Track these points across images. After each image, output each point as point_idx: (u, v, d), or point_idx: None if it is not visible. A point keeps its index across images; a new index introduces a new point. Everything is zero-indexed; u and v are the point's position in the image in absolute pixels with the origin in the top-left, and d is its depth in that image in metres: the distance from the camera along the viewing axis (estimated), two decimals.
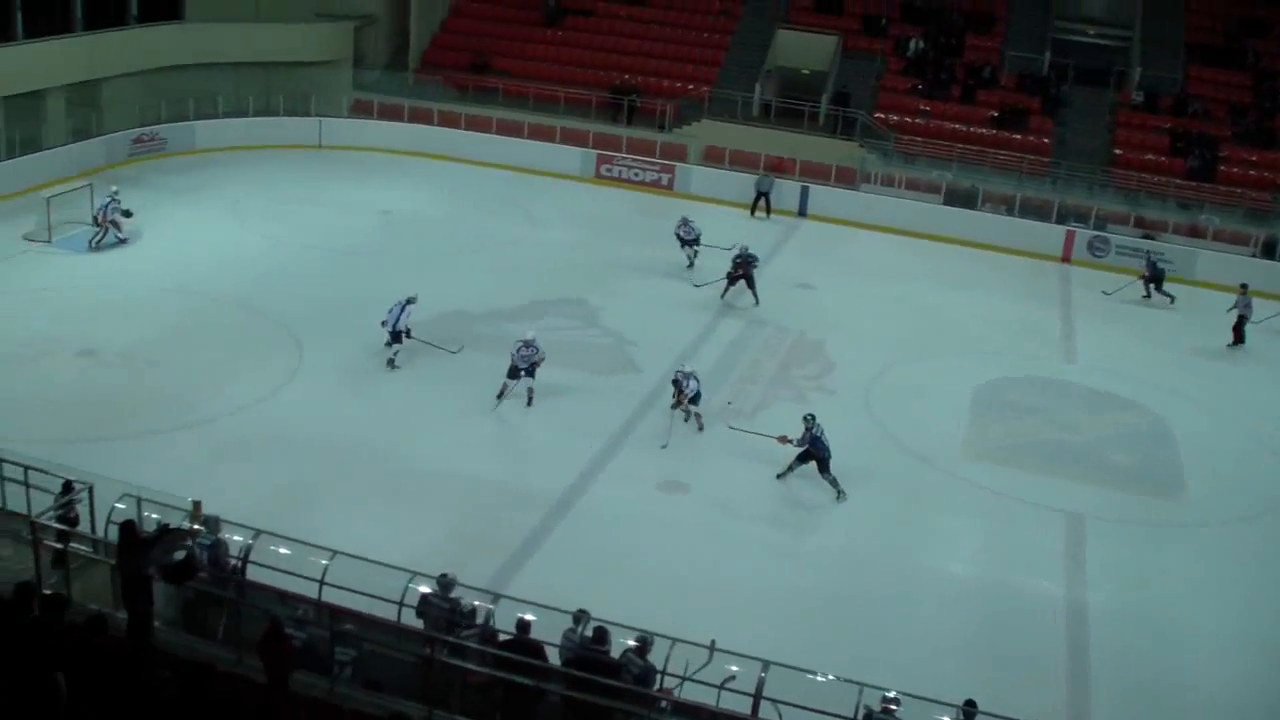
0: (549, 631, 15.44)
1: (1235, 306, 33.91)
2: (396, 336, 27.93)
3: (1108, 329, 34.68)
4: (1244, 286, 34.24)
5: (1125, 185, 42.51)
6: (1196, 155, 42.61)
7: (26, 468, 17.64)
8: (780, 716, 14.26)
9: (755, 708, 14.24)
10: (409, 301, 28.03)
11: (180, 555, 15.50)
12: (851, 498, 23.91)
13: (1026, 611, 20.99)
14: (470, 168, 45.17)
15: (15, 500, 17.81)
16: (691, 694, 14.85)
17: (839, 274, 36.84)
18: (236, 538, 16.96)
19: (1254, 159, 43.05)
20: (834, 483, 23.83)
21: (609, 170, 45.03)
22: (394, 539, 19.83)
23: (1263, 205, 41.49)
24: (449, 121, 46.85)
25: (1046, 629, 20.49)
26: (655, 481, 23.93)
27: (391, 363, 27.94)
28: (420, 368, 27.95)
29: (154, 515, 16.86)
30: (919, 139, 44.29)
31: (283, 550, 16.76)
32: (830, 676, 14.84)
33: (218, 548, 16.78)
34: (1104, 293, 36.62)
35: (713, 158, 45.02)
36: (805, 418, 23.96)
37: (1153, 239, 40.12)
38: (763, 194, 42.41)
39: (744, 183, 42.88)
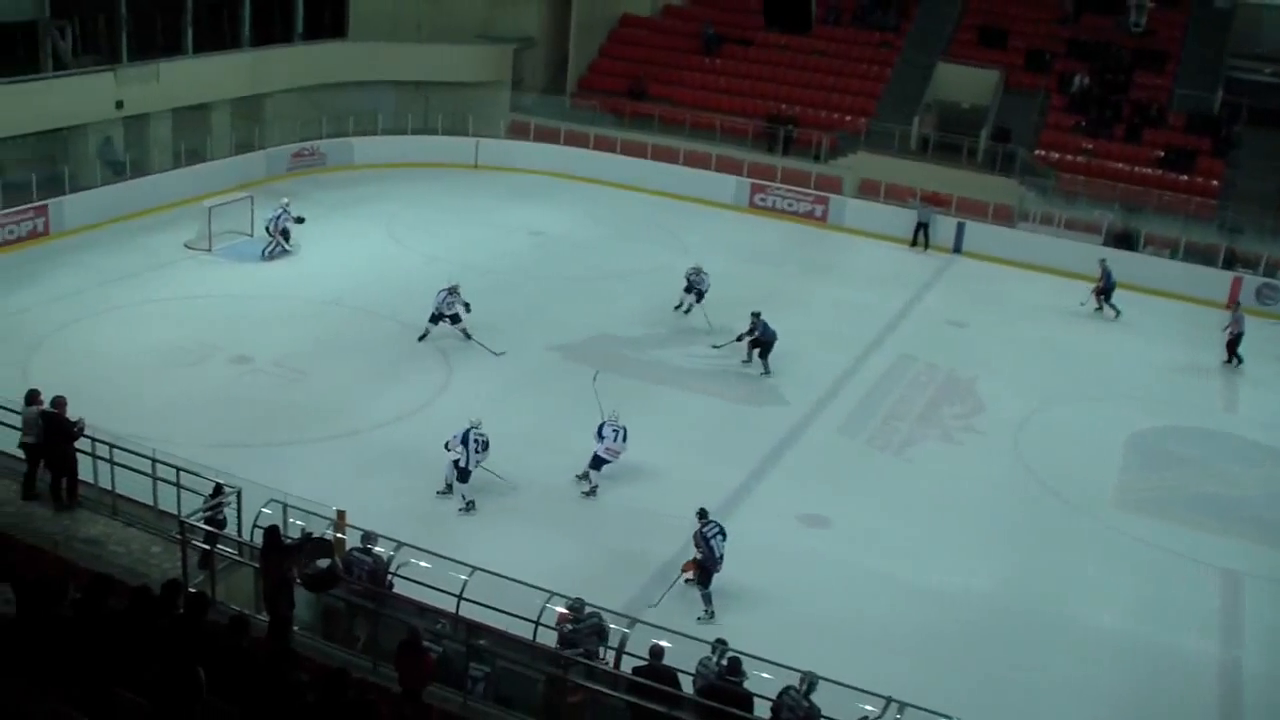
0: (682, 658, 15.27)
1: (1229, 325, 34.11)
2: (436, 319, 29.74)
3: (1272, 379, 33.49)
4: (1237, 304, 35.31)
5: None
6: None
7: (179, 469, 18.00)
8: None
9: None
10: (451, 290, 29.74)
11: (324, 564, 15.60)
12: (998, 541, 23.42)
13: (1177, 670, 20.28)
14: (623, 192, 45.27)
15: (167, 500, 18.14)
16: None
17: (992, 312, 36.13)
18: (378, 549, 17.07)
19: None
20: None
21: (762, 200, 44.80)
22: (534, 558, 19.78)
23: None
24: (604, 146, 47.04)
25: (1198, 689, 19.79)
26: (796, 514, 23.63)
27: (422, 338, 29.89)
28: (564, 391, 27.95)
29: (298, 522, 17.07)
30: (1080, 178, 43.37)
31: (423, 564, 16.83)
32: None
33: (378, 565, 16.89)
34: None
35: (868, 191, 44.54)
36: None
37: None
38: (922, 225, 41.88)
39: (899, 217, 42.36)
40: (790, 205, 44.33)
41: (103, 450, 18.78)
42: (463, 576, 16.17)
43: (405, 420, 26.03)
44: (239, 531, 17.21)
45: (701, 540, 20.26)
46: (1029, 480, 26.20)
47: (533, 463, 24.54)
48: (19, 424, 18.81)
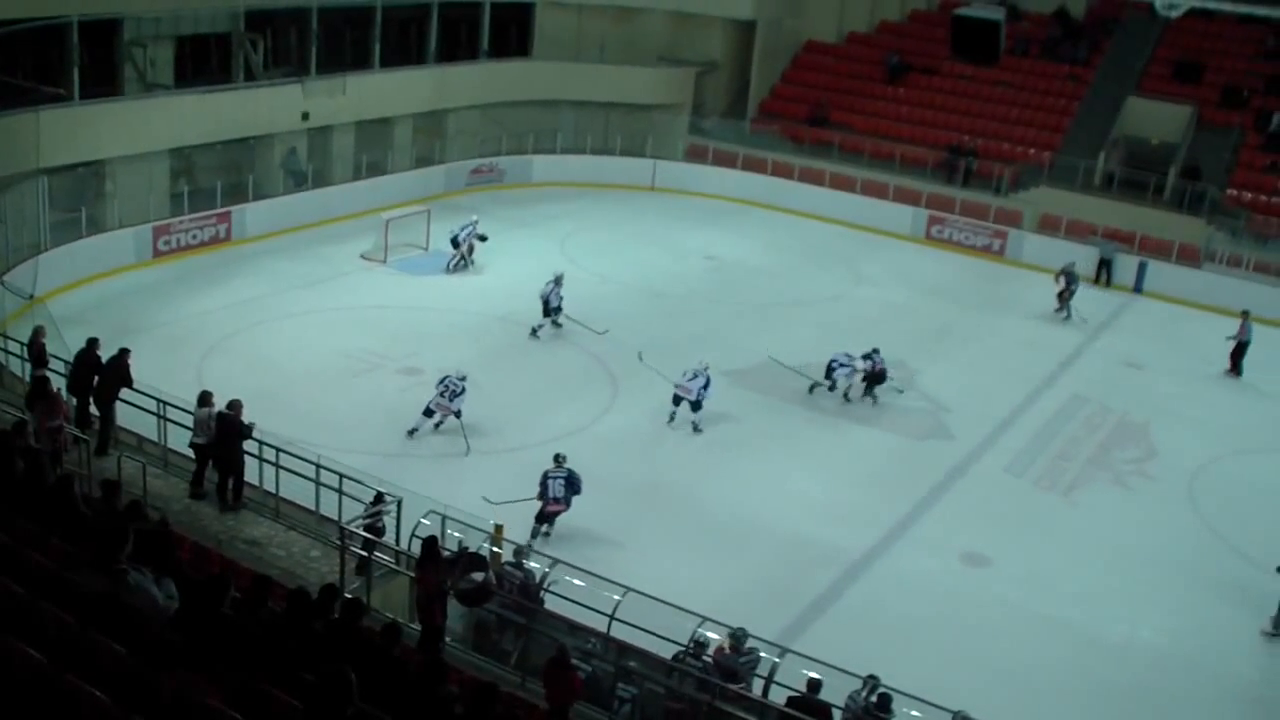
0: (831, 692, 15.06)
1: (1236, 335, 33.78)
2: (548, 311, 31.20)
3: None
4: (1245, 313, 34.21)
5: None
6: None
7: (342, 476, 18.29)
8: None
9: None
10: (557, 281, 31.37)
11: (478, 578, 15.70)
12: (1166, 592, 22.68)
13: None
14: (799, 219, 45.00)
15: (329, 506, 18.45)
16: None
17: (1172, 355, 35.00)
18: (533, 565, 17.14)
19: None
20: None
21: (939, 232, 44.19)
22: (688, 582, 19.65)
23: None
24: (782, 172, 46.83)
25: None
26: (959, 552, 23.18)
27: (534, 332, 31.34)
28: (734, 417, 27.85)
29: (456, 534, 17.22)
30: (1274, 219, 41.92)
31: (577, 582, 16.85)
32: None
33: (529, 580, 16.98)
34: None
35: (1048, 226, 43.61)
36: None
37: None
38: (1105, 261, 40.90)
39: (1079, 254, 41.39)
40: (967, 238, 43.63)
41: (269, 454, 19.19)
42: (616, 597, 16.17)
43: (570, 438, 26.10)
44: (397, 540, 17.43)
45: (541, 481, 21.50)
46: (1204, 531, 25.27)
47: (694, 487, 24.48)
48: (191, 424, 19.32)
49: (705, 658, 15.80)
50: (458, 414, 25.21)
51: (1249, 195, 43.02)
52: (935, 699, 14.85)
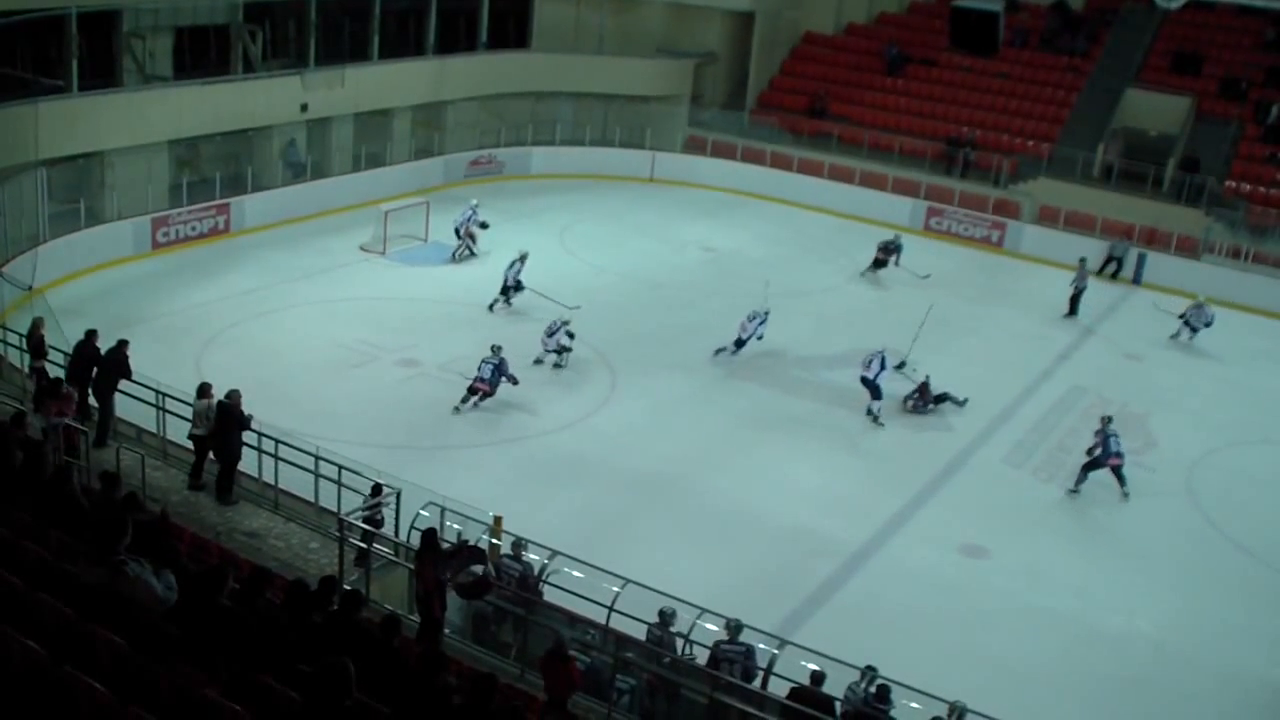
0: (831, 684, 15.09)
1: (1074, 280, 36.77)
2: (506, 290, 32.20)
3: None
4: (1083, 260, 37.61)
5: None
6: None
7: (341, 468, 18.31)
8: None
9: None
10: (521, 259, 32.32)
11: (477, 571, 15.71)
12: (1163, 583, 22.73)
13: None
14: (798, 211, 45.02)
15: (328, 498, 18.45)
16: None
17: (1171, 347, 35.02)
18: (533, 557, 17.15)
19: None
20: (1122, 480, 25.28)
21: (938, 223, 44.19)
22: (687, 574, 19.64)
23: None
24: (780, 163, 46.83)
25: None
26: (958, 544, 23.19)
27: (491, 308, 32.27)
28: (727, 407, 27.89)
29: (455, 526, 17.23)
30: (1273, 211, 41.92)
31: (576, 574, 16.85)
32: None
33: (528, 572, 16.98)
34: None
35: (1047, 217, 43.60)
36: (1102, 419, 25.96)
37: None
38: (1116, 259, 40.91)
39: (1080, 245, 41.40)
40: (966, 229, 43.63)
41: (268, 445, 19.20)
42: (615, 588, 16.16)
43: (569, 429, 26.17)
44: (396, 532, 17.45)
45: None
46: (1202, 522, 25.29)
47: (694, 478, 24.50)
48: (189, 415, 19.32)
49: (671, 630, 15.87)
50: (561, 352, 28.99)
51: (1248, 187, 43.02)
52: (933, 690, 14.85)
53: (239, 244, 35.56)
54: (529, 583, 16.77)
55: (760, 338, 30.34)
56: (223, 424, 18.79)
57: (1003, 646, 20.17)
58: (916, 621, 20.57)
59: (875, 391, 27.86)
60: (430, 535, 15.57)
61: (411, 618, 15.82)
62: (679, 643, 15.85)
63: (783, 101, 50.07)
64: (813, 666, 15.12)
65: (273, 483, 19.25)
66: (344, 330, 30.13)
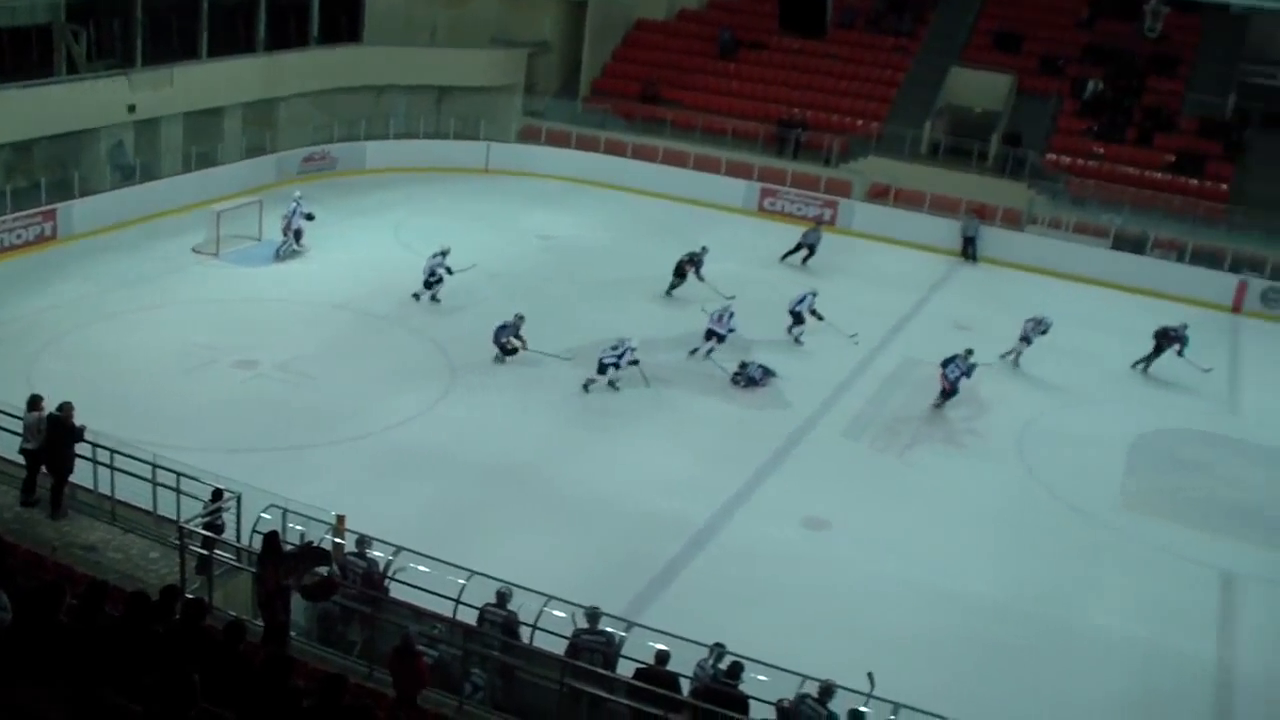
0: (679, 663, 15.34)
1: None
2: (428, 285, 32.65)
3: (1275, 382, 33.49)
4: (818, 219, 41.99)
5: None
6: None
7: (179, 474, 18.04)
8: None
9: None
10: (443, 254, 32.70)
11: (322, 572, 15.68)
12: (1000, 544, 23.51)
13: (1175, 672, 20.34)
14: (633, 196, 45.35)
15: (166, 506, 18.21)
16: None
17: (999, 316, 35.92)
18: (377, 554, 17.16)
19: None
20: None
21: (772, 204, 44.87)
22: (535, 562, 19.79)
23: None
24: (615, 150, 47.12)
25: (1195, 692, 19.87)
26: (800, 517, 23.69)
27: (416, 297, 32.75)
28: (572, 394, 28.12)
29: (298, 527, 17.15)
30: (1091, 182, 43.34)
31: (422, 568, 16.90)
32: None
33: (373, 569, 16.98)
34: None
35: (877, 195, 44.56)
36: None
37: None
38: (969, 239, 41.86)
39: (908, 221, 42.38)
40: (799, 209, 44.35)
41: (103, 456, 18.86)
42: (461, 581, 16.27)
43: (411, 423, 26.14)
44: (238, 537, 17.28)
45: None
46: (1032, 483, 26.28)
47: (539, 467, 24.68)
48: (20, 429, 18.90)
49: (509, 609, 16.04)
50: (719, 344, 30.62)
51: (1067, 160, 44.51)
52: (783, 663, 15.14)
53: (68, 251, 34.68)
54: (374, 580, 16.80)
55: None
56: (54, 437, 18.43)
57: (852, 616, 20.67)
58: (764, 595, 20.98)
59: (719, 340, 29.92)
60: (272, 538, 15.45)
61: (256, 623, 15.73)
62: (524, 630, 16.00)
63: (616, 88, 50.33)
64: (659, 646, 15.35)
65: (109, 494, 18.92)
66: (179, 334, 29.66)
